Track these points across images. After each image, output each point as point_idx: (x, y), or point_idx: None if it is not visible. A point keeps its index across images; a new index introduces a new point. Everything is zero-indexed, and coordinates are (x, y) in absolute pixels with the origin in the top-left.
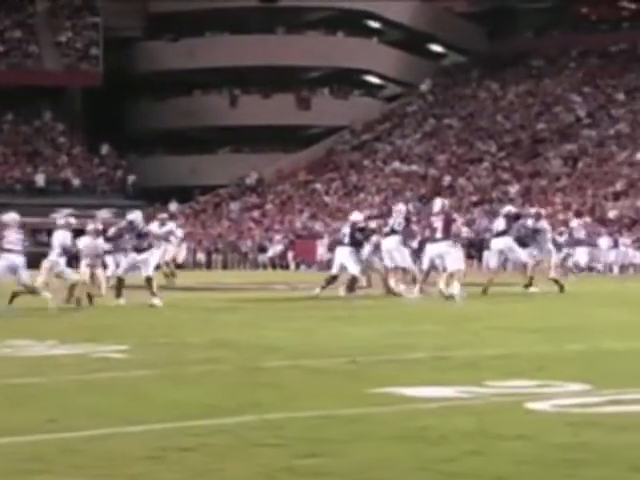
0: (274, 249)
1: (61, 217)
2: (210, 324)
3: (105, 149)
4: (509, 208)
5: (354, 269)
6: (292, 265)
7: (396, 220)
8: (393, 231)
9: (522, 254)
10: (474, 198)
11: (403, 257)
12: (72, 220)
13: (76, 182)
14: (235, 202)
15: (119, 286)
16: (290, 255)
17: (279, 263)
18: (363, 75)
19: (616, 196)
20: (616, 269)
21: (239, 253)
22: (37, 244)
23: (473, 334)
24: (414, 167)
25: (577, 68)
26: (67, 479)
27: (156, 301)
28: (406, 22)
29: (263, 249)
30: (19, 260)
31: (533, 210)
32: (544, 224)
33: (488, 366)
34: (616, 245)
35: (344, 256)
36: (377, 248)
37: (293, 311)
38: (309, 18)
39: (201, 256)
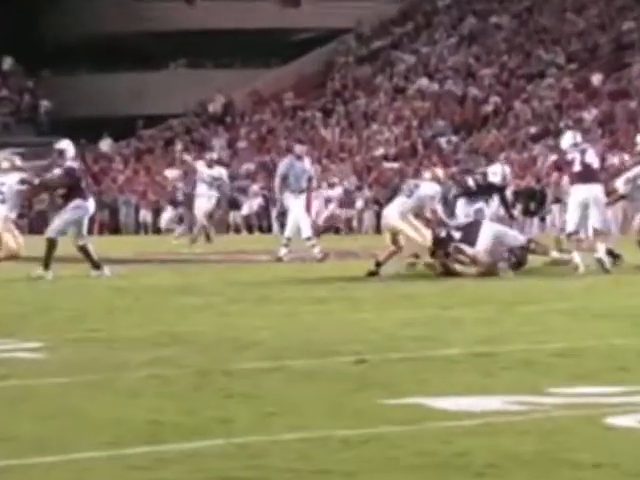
0: (250, 204)
1: None
2: (159, 311)
3: (7, 64)
4: None
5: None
6: (275, 226)
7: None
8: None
9: None
10: (533, 129)
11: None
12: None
13: None
14: (218, 137)
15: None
16: (273, 212)
17: (257, 224)
18: None
19: None
20: None
21: None
22: None
23: (528, 321)
24: (448, 86)
25: None
26: None
27: (39, 272)
28: None
29: (235, 205)
30: None
31: None
32: None
33: (550, 366)
34: None
35: None
36: None
37: (276, 291)
38: None
39: (146, 214)
